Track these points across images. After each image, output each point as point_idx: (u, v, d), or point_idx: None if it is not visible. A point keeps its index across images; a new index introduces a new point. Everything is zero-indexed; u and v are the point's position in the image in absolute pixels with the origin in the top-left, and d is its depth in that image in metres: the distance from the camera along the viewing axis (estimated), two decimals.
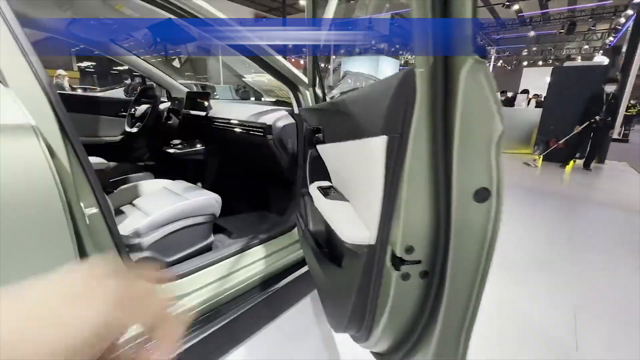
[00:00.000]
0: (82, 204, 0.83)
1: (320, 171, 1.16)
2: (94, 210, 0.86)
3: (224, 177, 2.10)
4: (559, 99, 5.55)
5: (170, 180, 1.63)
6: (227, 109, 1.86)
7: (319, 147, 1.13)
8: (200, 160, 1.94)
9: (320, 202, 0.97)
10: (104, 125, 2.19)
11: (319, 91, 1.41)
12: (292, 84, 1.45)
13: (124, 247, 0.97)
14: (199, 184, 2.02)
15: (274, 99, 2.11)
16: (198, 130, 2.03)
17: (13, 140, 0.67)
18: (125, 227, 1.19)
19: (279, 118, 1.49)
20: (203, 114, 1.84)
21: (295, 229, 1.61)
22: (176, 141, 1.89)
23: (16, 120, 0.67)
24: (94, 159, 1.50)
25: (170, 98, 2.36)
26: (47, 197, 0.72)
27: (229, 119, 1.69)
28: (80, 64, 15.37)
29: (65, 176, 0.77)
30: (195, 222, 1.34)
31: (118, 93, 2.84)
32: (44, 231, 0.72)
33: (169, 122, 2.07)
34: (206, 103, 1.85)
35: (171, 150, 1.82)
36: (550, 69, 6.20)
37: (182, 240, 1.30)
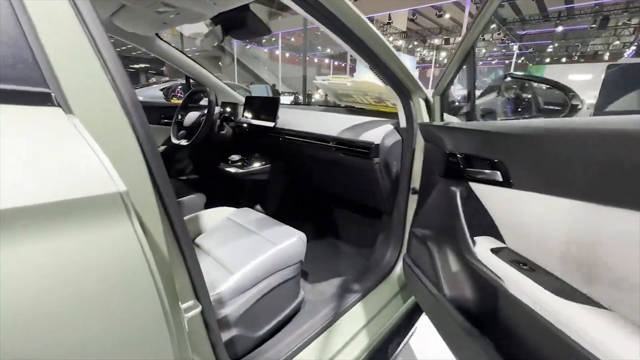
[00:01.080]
0: (181, 305, 0.52)
1: (475, 219, 0.80)
2: (195, 311, 0.54)
3: (293, 203, 1.76)
4: (622, 103, 4.99)
5: (233, 209, 1.31)
6: (298, 119, 1.52)
7: (483, 189, 0.78)
8: (261, 181, 1.61)
9: (526, 287, 0.61)
10: None
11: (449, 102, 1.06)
12: (404, 90, 1.10)
13: (222, 349, 0.65)
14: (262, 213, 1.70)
15: (342, 105, 1.77)
16: (258, 144, 1.70)
17: (87, 228, 0.34)
18: None
19: (386, 135, 1.15)
20: (270, 124, 1.50)
21: (394, 272, 1.27)
22: (235, 157, 1.57)
23: (95, 188, 0.35)
24: None
25: (217, 103, 2.05)
26: (142, 301, 0.41)
27: (311, 133, 1.35)
28: None
29: (162, 265, 0.45)
30: (283, 277, 1.00)
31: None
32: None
33: (222, 131, 1.75)
34: (274, 112, 1.51)
35: (232, 170, 1.49)
36: (575, 65, 5.62)
37: (271, 305, 0.97)
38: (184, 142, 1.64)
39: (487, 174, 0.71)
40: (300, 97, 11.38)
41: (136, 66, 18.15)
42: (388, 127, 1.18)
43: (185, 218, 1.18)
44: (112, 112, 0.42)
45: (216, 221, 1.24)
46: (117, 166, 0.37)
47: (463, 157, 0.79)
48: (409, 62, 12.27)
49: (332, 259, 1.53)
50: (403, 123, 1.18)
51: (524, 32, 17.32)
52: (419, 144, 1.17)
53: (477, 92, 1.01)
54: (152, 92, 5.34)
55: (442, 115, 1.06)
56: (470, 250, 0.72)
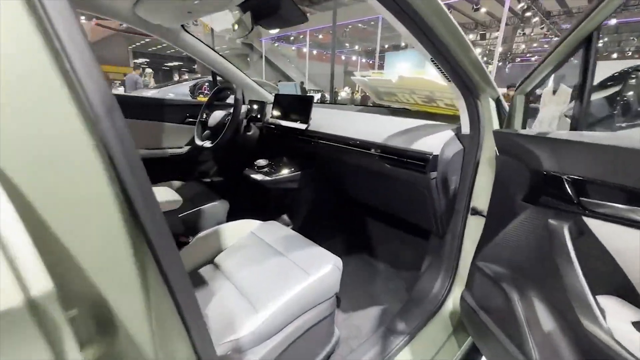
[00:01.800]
0: None
1: (592, 270, 0.57)
2: None
3: (324, 215, 1.59)
4: None
5: (258, 222, 1.15)
6: (332, 120, 1.34)
7: (613, 230, 0.53)
8: (290, 189, 1.44)
9: None
10: (168, 134, 1.77)
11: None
12: (472, 87, 0.88)
13: None
14: (287, 226, 1.53)
15: (385, 105, 1.56)
16: (286, 147, 1.54)
17: None
18: (215, 318, 0.72)
19: (447, 143, 0.93)
20: (302, 126, 1.33)
21: (444, 308, 1.06)
22: (262, 162, 1.41)
23: None
24: (162, 192, 1.05)
25: (244, 101, 1.91)
26: None
27: (351, 139, 1.16)
28: (136, 60, 16.04)
29: None
30: (317, 316, 0.83)
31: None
32: None
33: (248, 132, 1.60)
34: (306, 112, 1.34)
35: (258, 177, 1.33)
36: (629, 62, 4.93)
37: (301, 351, 0.79)
38: (207, 144, 1.51)
39: (623, 211, 0.49)
40: (327, 95, 11.16)
41: (170, 64, 18.80)
42: (448, 133, 0.96)
43: (203, 233, 1.05)
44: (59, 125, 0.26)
45: (239, 236, 1.08)
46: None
47: (574, 181, 0.56)
48: None
49: (368, 281, 1.34)
50: (466, 128, 0.96)
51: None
52: (485, 154, 0.95)
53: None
54: (182, 90, 5.35)
55: (524, 121, 0.83)
56: (596, 319, 0.50)
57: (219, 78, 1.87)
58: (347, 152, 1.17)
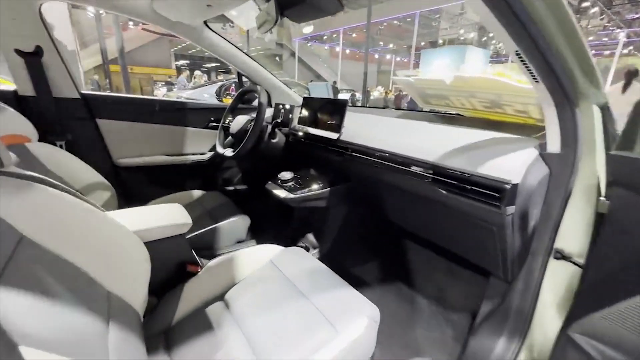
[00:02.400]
0: None
1: None
2: None
3: (356, 240, 1.38)
4: None
5: (279, 249, 0.97)
6: (369, 128, 1.13)
7: None
8: (317, 207, 1.25)
9: None
10: (191, 140, 1.67)
11: None
12: (569, 90, 0.63)
13: None
14: (314, 248, 1.34)
15: (428, 109, 1.32)
16: (315, 158, 1.35)
17: None
18: None
19: (531, 167, 0.69)
20: (333, 136, 1.14)
21: None
22: (286, 175, 1.24)
23: None
24: (172, 212, 0.91)
25: (271, 105, 1.75)
26: None
27: (393, 154, 0.94)
28: (177, 62, 16.80)
29: None
30: None
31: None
32: None
33: (273, 139, 1.44)
34: (339, 119, 1.14)
35: (281, 194, 1.16)
36: None
37: None
38: (228, 152, 1.37)
39: None
40: (357, 95, 10.83)
41: (208, 65, 19.46)
42: (530, 152, 0.71)
43: (213, 262, 0.89)
44: None
45: (256, 265, 0.92)
46: None
47: None
48: (483, 57, 10.81)
49: (407, 325, 1.12)
50: (554, 146, 0.71)
51: (636, 16, 14.19)
52: (582, 182, 0.69)
53: None
54: (214, 91, 5.37)
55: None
56: None
57: (244, 79, 1.73)
58: (388, 171, 0.95)
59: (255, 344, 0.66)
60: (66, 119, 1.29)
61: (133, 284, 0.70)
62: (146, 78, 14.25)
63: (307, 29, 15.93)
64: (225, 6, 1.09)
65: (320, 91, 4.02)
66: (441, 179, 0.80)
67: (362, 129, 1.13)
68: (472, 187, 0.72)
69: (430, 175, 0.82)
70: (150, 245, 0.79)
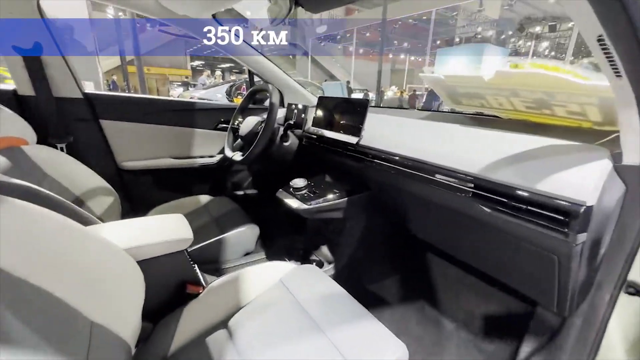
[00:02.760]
0: None
1: None
2: None
3: (377, 256, 1.25)
4: None
5: (291, 267, 0.86)
6: (391, 131, 1.00)
7: None
8: (333, 219, 1.14)
9: None
10: (199, 142, 1.59)
11: None
12: None
13: None
14: (329, 263, 1.22)
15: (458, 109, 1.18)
16: (331, 162, 1.24)
17: None
18: None
19: (607, 184, 0.55)
20: (352, 140, 1.02)
21: None
22: (299, 182, 1.13)
23: None
24: (172, 225, 0.81)
25: (283, 105, 1.65)
26: None
27: (423, 162, 0.81)
28: (192, 63, 17.00)
29: None
30: None
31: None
32: None
33: (285, 142, 1.33)
34: (359, 121, 1.02)
35: (293, 204, 1.05)
36: None
37: None
38: (237, 156, 1.27)
39: None
40: (371, 94, 10.61)
41: (222, 66, 19.63)
42: (604, 165, 0.57)
43: (216, 282, 0.80)
44: None
45: (265, 286, 0.81)
46: None
47: None
48: (501, 55, 10.40)
49: (436, 353, 0.99)
50: (633, 157, 0.57)
51: None
52: None
53: None
54: (225, 91, 5.32)
55: None
56: None
57: (256, 78, 1.63)
58: (414, 180, 0.83)
59: None
60: (68, 120, 1.22)
61: (122, 311, 0.60)
62: (162, 79, 14.50)
63: (321, 28, 15.85)
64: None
65: (335, 91, 3.90)
66: (484, 194, 0.66)
67: (382, 131, 1.00)
68: (528, 207, 0.59)
69: (471, 189, 0.69)
70: (146, 263, 0.70)
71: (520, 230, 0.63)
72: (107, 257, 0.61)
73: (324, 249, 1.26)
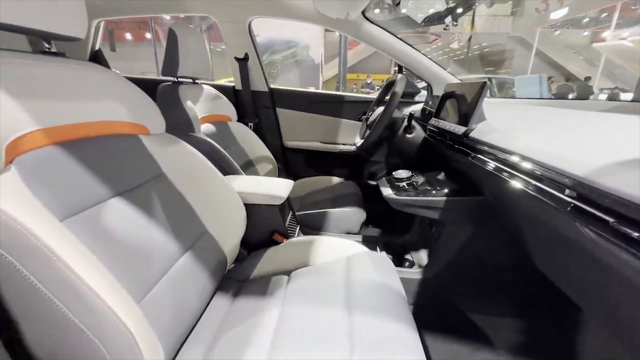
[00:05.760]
0: None
1: None
2: None
3: (481, 277, 1.02)
4: None
5: (365, 249, 0.88)
6: (542, 124, 0.77)
7: None
8: (437, 221, 1.00)
9: None
10: (342, 130, 1.80)
11: None
12: None
13: None
14: (420, 267, 1.09)
15: None
16: (446, 158, 1.09)
17: None
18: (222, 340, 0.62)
19: None
20: (459, 130, 0.87)
21: None
22: (402, 174, 1.07)
23: None
24: (274, 185, 1.01)
25: (429, 96, 1.57)
26: None
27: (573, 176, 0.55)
28: (395, 68, 18.10)
29: None
30: None
31: None
32: None
33: (409, 134, 1.28)
34: (470, 108, 0.85)
35: (386, 191, 1.02)
36: None
37: None
38: (358, 141, 1.36)
39: None
40: (624, 95, 7.12)
41: None
42: None
43: (296, 239, 0.94)
44: None
45: (332, 257, 0.88)
46: None
47: None
48: None
49: None
50: None
51: None
52: None
53: None
54: None
55: None
56: None
57: (405, 72, 1.63)
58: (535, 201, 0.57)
59: (278, 334, 0.64)
60: (257, 107, 1.73)
61: (227, 233, 0.87)
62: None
63: (559, 12, 12.43)
64: None
65: (530, 87, 3.04)
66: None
67: (525, 122, 0.78)
68: None
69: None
70: (250, 207, 0.94)
71: None
72: (225, 194, 0.89)
73: (422, 252, 1.13)
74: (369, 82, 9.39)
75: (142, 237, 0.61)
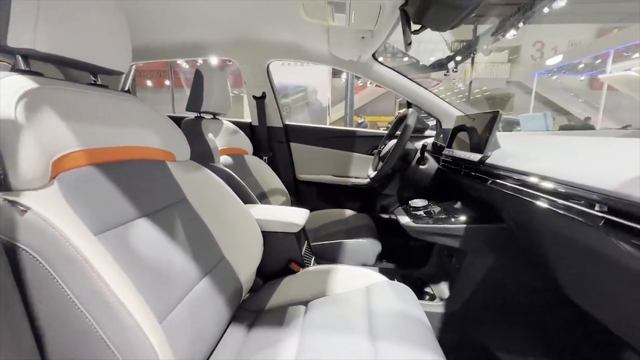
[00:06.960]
0: None
1: None
2: None
3: (504, 308, 0.97)
4: None
5: (385, 279, 0.85)
6: (557, 150, 0.78)
7: None
8: (458, 251, 0.98)
9: None
10: (354, 164, 1.84)
11: None
12: None
13: None
14: (441, 300, 1.04)
15: None
16: (463, 187, 1.09)
17: None
18: None
19: None
20: (474, 157, 0.88)
21: None
22: (419, 202, 1.08)
23: None
24: (290, 214, 1.02)
25: (439, 130, 1.62)
26: None
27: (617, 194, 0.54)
28: (399, 110, 18.84)
29: None
30: None
31: None
32: None
33: (422, 165, 1.30)
34: (486, 135, 0.88)
35: (403, 220, 1.02)
36: None
37: None
38: (371, 173, 1.38)
39: None
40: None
41: None
42: None
43: (313, 268, 0.92)
44: None
45: (351, 287, 0.85)
46: None
47: None
48: None
49: None
50: None
51: None
52: None
53: None
54: None
55: None
56: None
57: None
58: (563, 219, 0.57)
59: None
60: (272, 141, 1.80)
61: (244, 260, 0.86)
62: (372, 125, 16.95)
63: (554, 59, 13.12)
64: (378, 34, 1.15)
65: (535, 124, 3.13)
66: None
67: (539, 149, 0.79)
68: None
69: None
70: (266, 235, 0.94)
71: None
72: (244, 221, 0.89)
73: (443, 285, 1.08)
74: (360, 122, 10.41)
75: (163, 259, 0.61)
